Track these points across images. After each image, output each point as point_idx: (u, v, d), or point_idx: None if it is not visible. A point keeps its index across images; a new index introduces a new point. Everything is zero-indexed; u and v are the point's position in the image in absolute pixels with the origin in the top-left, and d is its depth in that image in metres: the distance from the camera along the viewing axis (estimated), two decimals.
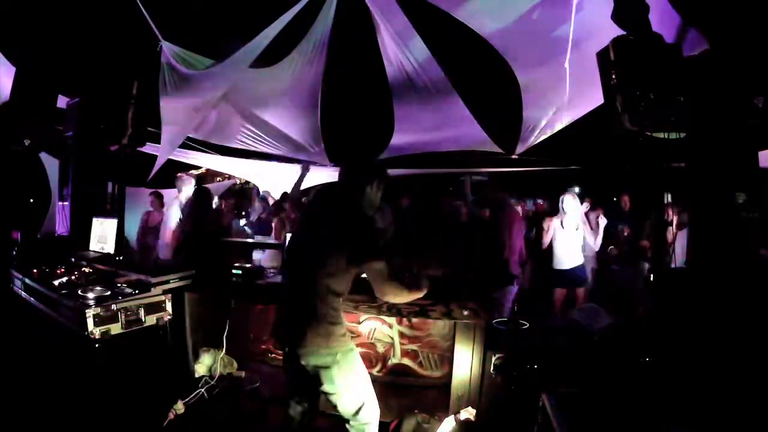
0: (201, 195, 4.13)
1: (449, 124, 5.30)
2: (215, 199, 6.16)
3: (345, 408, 1.95)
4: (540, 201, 7.48)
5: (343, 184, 2.04)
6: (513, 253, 4.40)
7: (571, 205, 4.52)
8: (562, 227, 4.49)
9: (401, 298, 2.03)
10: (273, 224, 5.52)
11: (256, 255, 4.84)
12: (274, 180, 7.27)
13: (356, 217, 1.92)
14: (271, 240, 5.11)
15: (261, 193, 6.96)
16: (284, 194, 5.74)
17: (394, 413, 2.49)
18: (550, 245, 4.61)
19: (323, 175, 7.00)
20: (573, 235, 4.51)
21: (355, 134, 6.01)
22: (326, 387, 1.92)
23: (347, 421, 1.97)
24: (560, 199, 4.58)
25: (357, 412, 1.94)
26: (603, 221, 4.61)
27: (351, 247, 1.86)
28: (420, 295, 2.07)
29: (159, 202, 5.70)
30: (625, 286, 4.90)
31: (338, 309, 1.94)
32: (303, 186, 5.57)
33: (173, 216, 4.64)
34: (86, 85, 4.04)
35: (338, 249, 1.86)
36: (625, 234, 4.97)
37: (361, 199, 1.98)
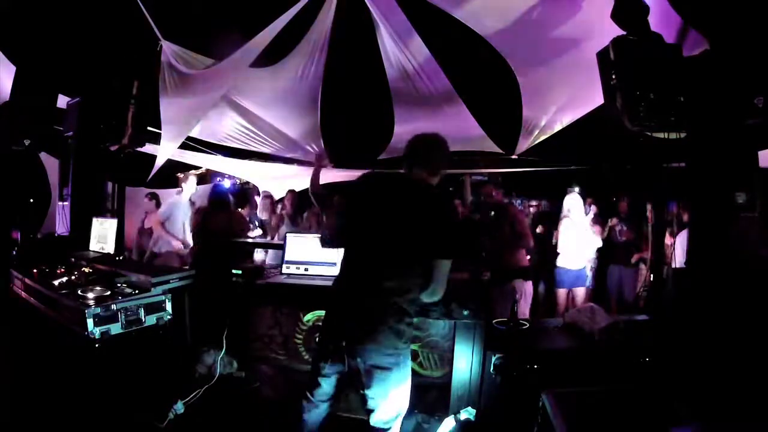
0: (219, 197, 4.16)
1: (449, 125, 5.30)
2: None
3: (384, 415, 1.79)
4: (533, 202, 7.53)
5: (413, 168, 1.88)
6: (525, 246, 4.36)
7: (577, 205, 4.56)
8: (574, 227, 4.53)
9: (436, 297, 1.84)
10: (271, 223, 5.53)
11: (259, 255, 4.84)
12: (274, 180, 7.27)
13: (439, 204, 1.79)
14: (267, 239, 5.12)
15: (262, 193, 6.95)
16: (291, 192, 5.66)
17: None
18: (554, 245, 4.66)
19: (326, 175, 7.00)
20: (582, 236, 4.54)
21: (355, 134, 6.00)
22: (375, 390, 1.75)
23: (372, 428, 1.81)
24: (565, 199, 4.63)
25: (392, 421, 1.81)
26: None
27: (437, 237, 1.72)
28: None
29: (154, 203, 5.72)
30: (624, 285, 4.91)
31: (414, 306, 1.79)
32: (303, 186, 5.56)
33: (174, 212, 4.65)
34: (86, 85, 4.04)
35: (422, 239, 1.72)
36: (622, 232, 4.96)
37: (432, 185, 1.86)
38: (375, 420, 1.80)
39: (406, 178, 1.92)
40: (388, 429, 1.81)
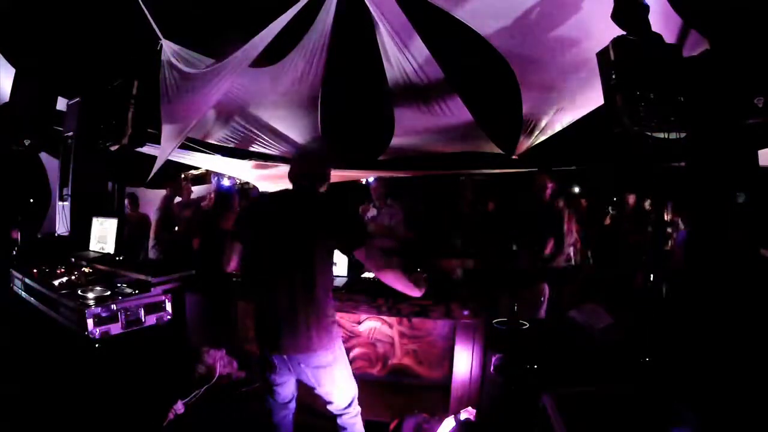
0: (222, 197, 4.16)
1: (449, 125, 5.30)
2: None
3: (340, 403, 1.96)
4: None
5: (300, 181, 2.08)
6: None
7: None
8: None
9: (401, 283, 2.00)
10: None
11: None
12: (274, 180, 7.27)
13: (333, 205, 1.94)
14: None
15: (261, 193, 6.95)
16: None
17: (394, 413, 2.49)
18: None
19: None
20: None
21: (354, 135, 6.00)
22: (326, 386, 1.91)
23: (338, 416, 1.98)
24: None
25: (349, 405, 1.97)
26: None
27: (339, 235, 1.88)
28: (418, 293, 2.06)
29: (134, 204, 5.76)
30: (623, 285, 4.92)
31: (331, 303, 1.94)
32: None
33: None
34: (86, 85, 4.04)
35: (324, 239, 1.87)
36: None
37: (320, 193, 2.06)
38: (335, 408, 1.99)
39: (292, 192, 2.09)
40: (349, 408, 1.99)
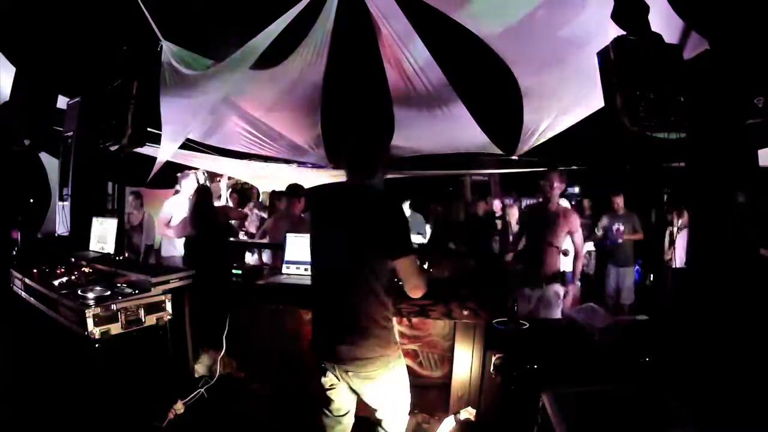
0: (201, 194, 4.15)
1: (449, 127, 5.30)
2: (226, 194, 6.26)
3: (389, 421, 1.82)
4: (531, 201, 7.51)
5: (356, 177, 1.89)
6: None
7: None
8: None
9: (420, 293, 1.83)
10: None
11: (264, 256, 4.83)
12: (273, 181, 7.28)
13: (387, 204, 1.77)
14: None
15: (260, 194, 6.96)
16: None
17: None
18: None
19: (325, 176, 7.00)
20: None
21: (355, 135, 6.00)
22: (371, 398, 1.78)
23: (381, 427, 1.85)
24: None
25: (397, 426, 1.83)
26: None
27: (383, 237, 1.71)
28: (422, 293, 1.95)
29: (138, 202, 5.77)
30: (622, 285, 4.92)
31: (390, 309, 1.79)
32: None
33: (175, 212, 4.65)
34: (86, 85, 4.04)
35: (378, 242, 1.71)
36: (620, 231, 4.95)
37: (378, 188, 1.86)
38: (383, 425, 1.84)
39: (349, 186, 1.91)
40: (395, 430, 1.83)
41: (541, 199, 3.68)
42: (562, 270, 3.70)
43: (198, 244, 3.91)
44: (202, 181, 5.12)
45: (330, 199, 1.94)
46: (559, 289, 3.56)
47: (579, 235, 3.64)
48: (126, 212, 5.85)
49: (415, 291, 1.80)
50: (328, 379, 1.81)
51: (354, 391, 1.81)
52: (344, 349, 1.70)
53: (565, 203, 4.34)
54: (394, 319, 1.82)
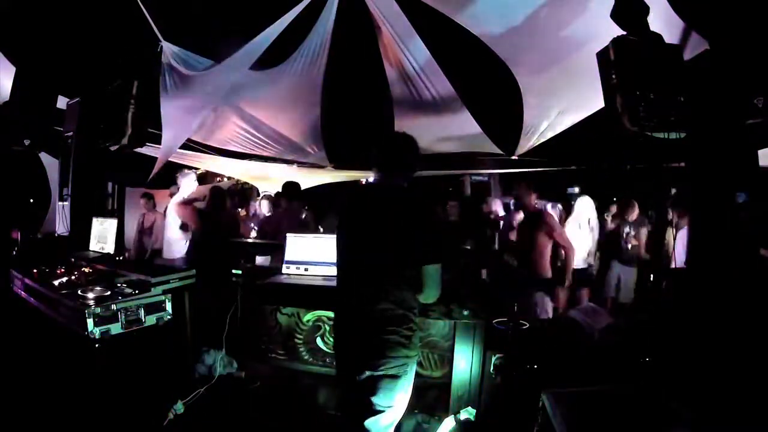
0: (217, 196, 4.17)
1: (449, 126, 5.30)
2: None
3: (384, 421, 1.76)
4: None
5: (387, 177, 1.86)
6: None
7: (586, 206, 4.58)
8: (579, 228, 4.53)
9: (434, 299, 1.84)
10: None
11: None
12: (274, 181, 7.28)
13: (420, 209, 1.75)
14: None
15: (262, 194, 6.96)
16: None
17: None
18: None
19: (326, 176, 7.01)
20: (587, 236, 4.56)
21: (355, 136, 6.01)
22: (380, 397, 1.73)
23: (366, 428, 1.78)
24: (575, 200, 4.65)
25: (388, 427, 1.79)
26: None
27: (413, 243, 1.70)
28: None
29: (151, 203, 5.76)
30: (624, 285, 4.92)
31: (417, 312, 1.78)
32: (304, 186, 5.55)
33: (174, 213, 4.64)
34: (86, 85, 4.04)
35: (411, 246, 1.70)
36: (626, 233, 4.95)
37: (411, 190, 1.83)
38: (372, 423, 1.76)
39: (382, 186, 1.90)
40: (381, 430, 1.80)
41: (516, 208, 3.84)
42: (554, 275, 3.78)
43: (203, 243, 3.92)
44: (222, 185, 5.13)
45: (363, 199, 1.93)
46: (542, 297, 3.61)
47: (559, 233, 3.72)
48: (141, 213, 5.83)
49: (432, 297, 1.81)
50: (346, 376, 1.82)
51: (366, 389, 1.78)
52: (368, 349, 1.71)
53: (542, 206, 4.47)
54: (417, 321, 1.81)
